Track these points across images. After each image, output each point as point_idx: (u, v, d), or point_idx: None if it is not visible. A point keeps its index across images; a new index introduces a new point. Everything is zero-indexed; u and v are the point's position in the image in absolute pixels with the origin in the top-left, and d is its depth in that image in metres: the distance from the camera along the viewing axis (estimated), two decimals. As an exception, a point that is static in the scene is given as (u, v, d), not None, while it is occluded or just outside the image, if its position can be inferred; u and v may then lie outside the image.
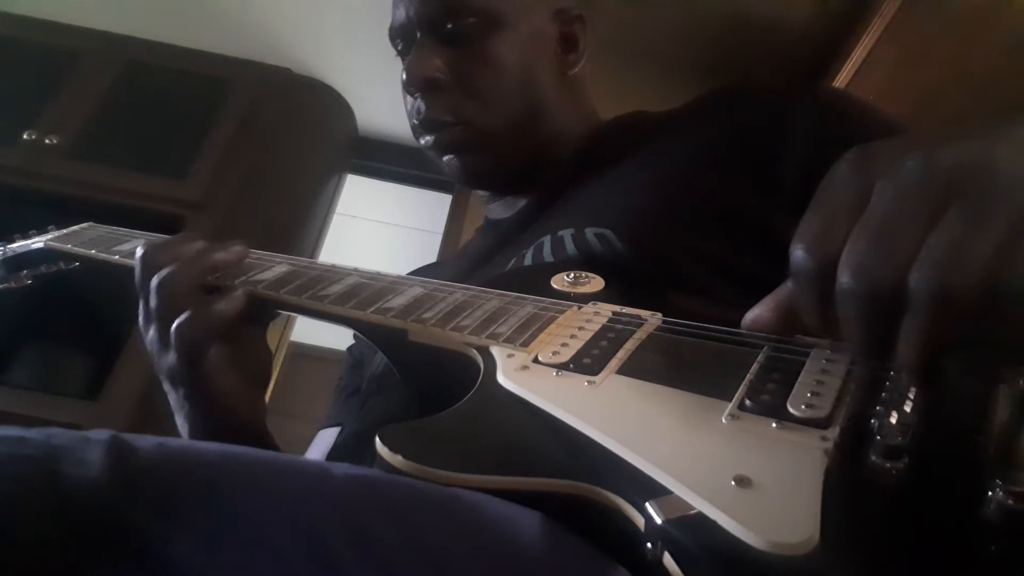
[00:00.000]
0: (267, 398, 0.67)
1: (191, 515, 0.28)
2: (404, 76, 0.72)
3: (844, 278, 0.32)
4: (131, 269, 0.64)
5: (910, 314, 0.30)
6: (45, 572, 0.24)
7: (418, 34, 0.73)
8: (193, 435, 0.62)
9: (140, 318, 0.61)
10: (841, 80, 1.68)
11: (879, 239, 0.31)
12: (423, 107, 0.73)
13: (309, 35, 2.09)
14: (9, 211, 1.74)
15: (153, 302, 0.58)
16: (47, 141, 1.84)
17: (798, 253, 0.34)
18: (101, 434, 0.29)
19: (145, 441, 0.30)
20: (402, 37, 0.75)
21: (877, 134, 0.45)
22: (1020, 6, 1.43)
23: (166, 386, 0.62)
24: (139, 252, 0.61)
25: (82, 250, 0.76)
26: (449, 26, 0.71)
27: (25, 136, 1.84)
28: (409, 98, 0.75)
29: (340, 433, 0.70)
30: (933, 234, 0.30)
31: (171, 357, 0.58)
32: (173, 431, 0.64)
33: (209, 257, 0.61)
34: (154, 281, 0.58)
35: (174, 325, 0.56)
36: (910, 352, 0.31)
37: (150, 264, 0.60)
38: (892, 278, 0.30)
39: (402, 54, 0.76)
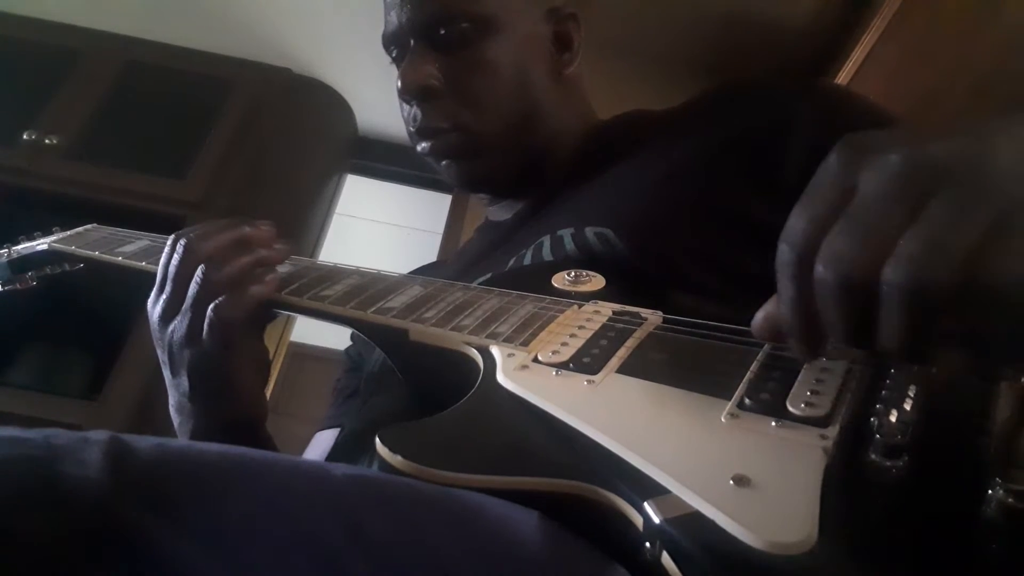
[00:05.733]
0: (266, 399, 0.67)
1: (190, 515, 0.28)
2: (399, 84, 0.72)
3: (819, 267, 0.31)
4: (135, 270, 0.64)
5: (884, 307, 0.30)
6: (44, 572, 0.24)
7: (411, 41, 0.72)
8: (199, 432, 0.61)
9: (160, 306, 0.60)
10: (841, 80, 1.67)
11: (856, 230, 0.31)
12: (419, 115, 0.72)
13: (309, 35, 2.08)
14: (9, 211, 1.74)
15: (193, 288, 0.58)
16: (47, 141, 1.84)
17: (782, 246, 0.34)
18: (100, 435, 0.30)
19: (144, 441, 0.30)
20: (396, 44, 0.75)
21: None
22: (1019, 5, 1.43)
23: (178, 380, 0.61)
24: (182, 242, 0.59)
25: (86, 252, 0.76)
26: (442, 32, 0.71)
27: (25, 136, 1.84)
28: (405, 105, 0.74)
29: (340, 433, 0.70)
30: (912, 227, 0.29)
31: (203, 343, 0.57)
32: (173, 431, 0.64)
33: (252, 247, 0.61)
34: (199, 270, 0.57)
35: (211, 306, 0.56)
36: (887, 344, 0.31)
37: (193, 251, 0.59)
38: (865, 270, 0.30)
39: (396, 61, 0.76)
